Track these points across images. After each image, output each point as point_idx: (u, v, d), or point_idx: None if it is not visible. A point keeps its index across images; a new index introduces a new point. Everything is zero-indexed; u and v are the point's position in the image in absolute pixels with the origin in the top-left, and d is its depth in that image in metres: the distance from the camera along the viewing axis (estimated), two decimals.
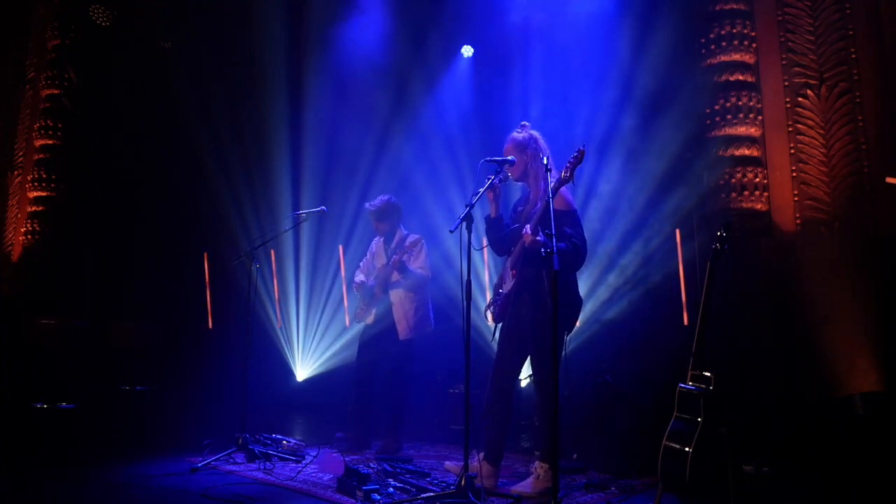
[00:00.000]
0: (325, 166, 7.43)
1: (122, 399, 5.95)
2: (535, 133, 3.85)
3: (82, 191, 7.15)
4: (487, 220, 3.85)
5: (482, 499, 3.29)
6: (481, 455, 3.71)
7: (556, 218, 3.45)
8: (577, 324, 5.84)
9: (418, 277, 4.87)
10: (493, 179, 3.67)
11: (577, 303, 3.82)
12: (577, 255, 3.61)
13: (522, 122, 3.92)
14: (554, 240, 3.12)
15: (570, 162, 3.39)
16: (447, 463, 4.07)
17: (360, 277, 5.13)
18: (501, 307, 3.81)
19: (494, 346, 3.94)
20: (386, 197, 5.11)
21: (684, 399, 3.28)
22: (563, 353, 3.85)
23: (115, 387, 6.04)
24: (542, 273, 3.61)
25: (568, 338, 3.95)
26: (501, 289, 3.85)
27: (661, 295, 5.59)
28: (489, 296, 5.47)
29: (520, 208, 3.92)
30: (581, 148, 3.40)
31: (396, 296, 4.93)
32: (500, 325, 3.87)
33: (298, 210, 6.01)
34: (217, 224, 7.43)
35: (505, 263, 3.91)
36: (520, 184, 3.98)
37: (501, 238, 3.84)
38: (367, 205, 5.12)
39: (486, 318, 4.05)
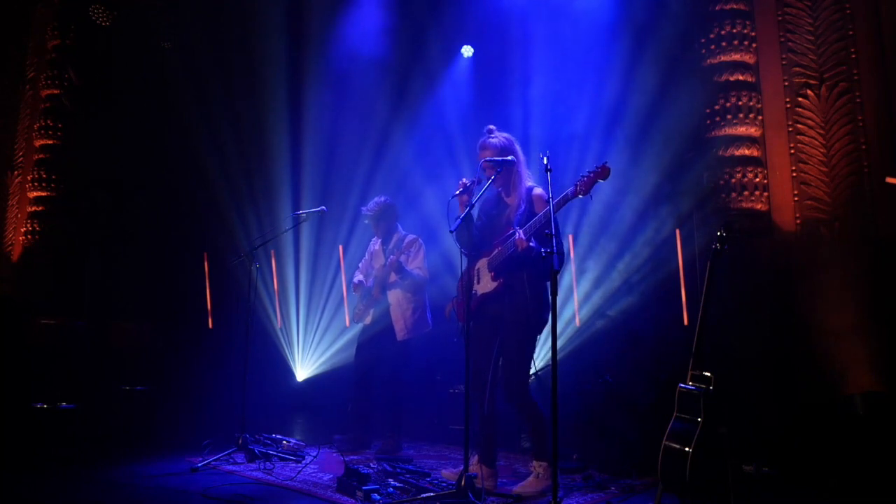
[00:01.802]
0: (325, 166, 7.43)
1: (122, 399, 5.95)
2: (508, 135, 3.83)
3: (82, 191, 7.15)
4: (459, 219, 3.80)
5: (482, 499, 3.29)
6: (476, 458, 3.70)
7: (538, 221, 3.45)
8: (577, 323, 5.88)
9: (416, 278, 4.87)
10: (490, 183, 3.66)
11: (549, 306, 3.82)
12: (561, 259, 3.61)
13: (489, 126, 3.86)
14: (554, 240, 3.12)
15: (586, 176, 3.32)
16: (444, 471, 4.02)
17: (358, 278, 5.13)
18: (475, 307, 3.78)
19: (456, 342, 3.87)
20: (381, 199, 5.09)
21: (684, 399, 3.28)
22: (535, 361, 3.82)
23: (115, 387, 6.04)
24: (525, 276, 3.61)
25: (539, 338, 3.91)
26: (476, 289, 3.81)
27: (661, 295, 5.59)
28: None
29: (494, 212, 3.88)
30: (605, 163, 3.30)
31: (394, 297, 4.93)
32: (469, 324, 3.83)
33: (298, 210, 6.00)
34: (217, 224, 7.43)
35: (473, 262, 3.85)
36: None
37: (470, 237, 3.74)
38: (362, 209, 5.11)
39: (447, 314, 4.02)
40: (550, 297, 3.13)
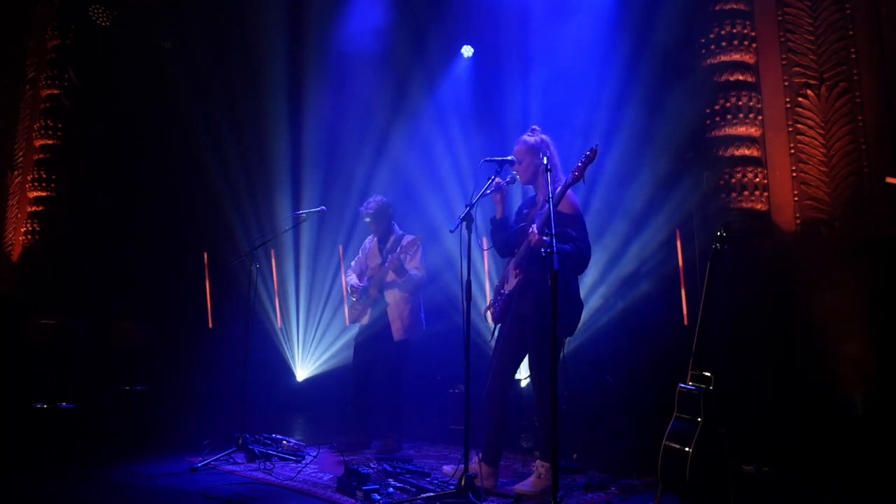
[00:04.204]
0: (325, 166, 7.43)
1: (122, 399, 5.94)
2: (546, 137, 3.85)
3: (82, 190, 7.14)
4: (493, 221, 3.85)
5: (482, 498, 3.29)
6: (479, 456, 3.71)
7: (561, 220, 3.47)
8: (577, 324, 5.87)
9: (414, 278, 4.87)
10: (495, 180, 3.68)
11: (578, 306, 3.82)
12: (580, 257, 3.62)
13: (533, 126, 3.91)
14: (554, 240, 3.12)
15: (581, 161, 3.39)
16: (445, 467, 4.04)
17: (353, 279, 5.13)
18: (503, 307, 3.81)
19: (492, 345, 3.94)
20: (379, 198, 5.11)
21: (684, 399, 3.28)
22: (562, 354, 3.85)
23: (115, 387, 6.03)
24: (546, 273, 3.61)
25: (567, 340, 3.94)
26: (503, 289, 3.85)
27: (662, 295, 5.59)
28: (489, 296, 5.46)
29: (525, 211, 3.93)
30: (594, 147, 3.38)
31: (392, 296, 4.93)
32: (499, 325, 3.87)
33: (298, 210, 6.00)
34: (217, 224, 7.43)
35: (507, 264, 3.91)
36: (522, 187, 3.99)
37: (506, 238, 3.85)
38: (361, 208, 5.11)
39: (487, 318, 4.05)
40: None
